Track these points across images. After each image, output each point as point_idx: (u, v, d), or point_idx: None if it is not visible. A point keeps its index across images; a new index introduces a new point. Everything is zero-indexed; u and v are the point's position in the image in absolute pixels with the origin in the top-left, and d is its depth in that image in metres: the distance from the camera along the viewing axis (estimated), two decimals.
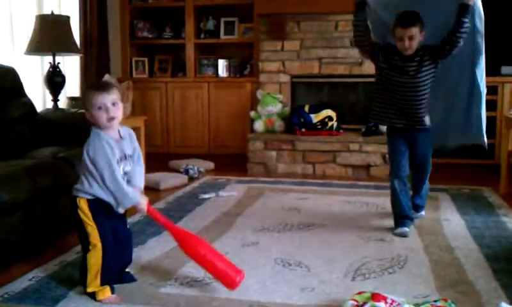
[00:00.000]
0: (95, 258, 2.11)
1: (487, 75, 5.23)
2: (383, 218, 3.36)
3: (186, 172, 4.78)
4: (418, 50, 2.93)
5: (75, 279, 2.35)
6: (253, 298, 2.16)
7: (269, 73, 5.37)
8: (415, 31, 2.86)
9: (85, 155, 2.09)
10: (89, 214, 2.11)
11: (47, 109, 4.22)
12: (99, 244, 2.11)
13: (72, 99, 4.97)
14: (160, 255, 2.67)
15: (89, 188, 2.11)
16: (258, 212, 3.54)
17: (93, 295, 2.14)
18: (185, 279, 2.36)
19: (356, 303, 1.96)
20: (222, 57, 5.77)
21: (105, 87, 2.13)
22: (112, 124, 2.12)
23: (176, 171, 4.90)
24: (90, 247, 2.11)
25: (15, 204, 2.49)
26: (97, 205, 2.12)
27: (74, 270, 2.46)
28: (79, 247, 2.76)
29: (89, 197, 2.11)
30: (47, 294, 2.21)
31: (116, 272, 2.24)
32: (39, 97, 4.68)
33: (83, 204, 2.11)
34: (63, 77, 4.42)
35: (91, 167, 2.08)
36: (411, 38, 2.87)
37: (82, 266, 2.18)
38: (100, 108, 2.08)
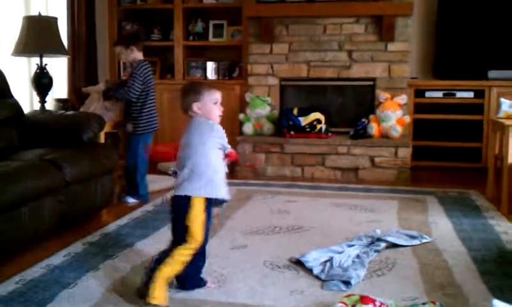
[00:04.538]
0: None
1: (474, 78, 5.27)
2: (372, 220, 3.37)
3: (175, 174, 4.73)
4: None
5: (63, 282, 2.34)
6: (242, 301, 2.16)
7: (257, 76, 5.37)
8: (118, 49, 3.95)
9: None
10: None
11: (34, 111, 4.18)
12: None
13: (59, 101, 4.94)
14: (149, 257, 2.65)
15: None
16: (247, 215, 3.53)
17: None
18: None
19: (344, 306, 1.97)
20: (211, 60, 5.77)
21: (218, 88, 2.34)
22: (219, 120, 2.33)
23: (165, 173, 4.88)
24: None
25: (1, 206, 2.46)
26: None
27: (61, 273, 2.44)
28: (65, 251, 2.77)
29: None
30: (33, 297, 2.18)
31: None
32: (26, 99, 4.64)
33: None
34: (50, 79, 4.38)
35: None
36: (118, 54, 4.06)
37: None
38: (215, 103, 2.30)
